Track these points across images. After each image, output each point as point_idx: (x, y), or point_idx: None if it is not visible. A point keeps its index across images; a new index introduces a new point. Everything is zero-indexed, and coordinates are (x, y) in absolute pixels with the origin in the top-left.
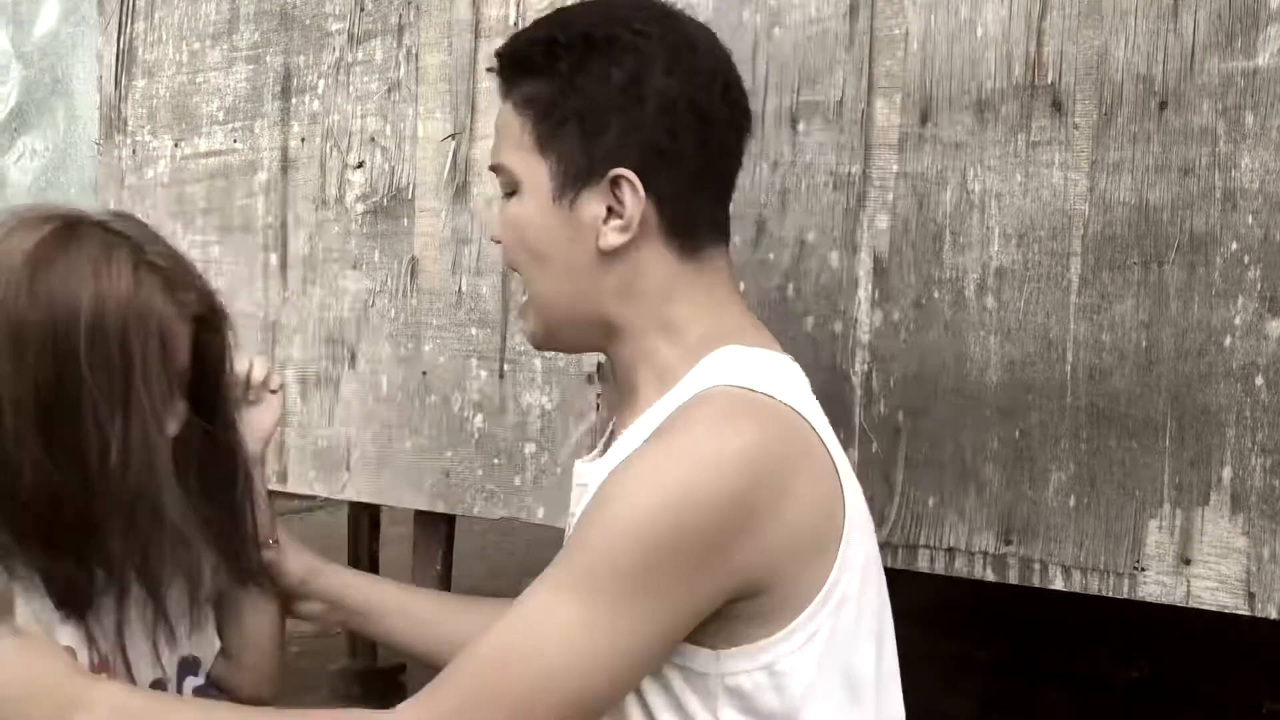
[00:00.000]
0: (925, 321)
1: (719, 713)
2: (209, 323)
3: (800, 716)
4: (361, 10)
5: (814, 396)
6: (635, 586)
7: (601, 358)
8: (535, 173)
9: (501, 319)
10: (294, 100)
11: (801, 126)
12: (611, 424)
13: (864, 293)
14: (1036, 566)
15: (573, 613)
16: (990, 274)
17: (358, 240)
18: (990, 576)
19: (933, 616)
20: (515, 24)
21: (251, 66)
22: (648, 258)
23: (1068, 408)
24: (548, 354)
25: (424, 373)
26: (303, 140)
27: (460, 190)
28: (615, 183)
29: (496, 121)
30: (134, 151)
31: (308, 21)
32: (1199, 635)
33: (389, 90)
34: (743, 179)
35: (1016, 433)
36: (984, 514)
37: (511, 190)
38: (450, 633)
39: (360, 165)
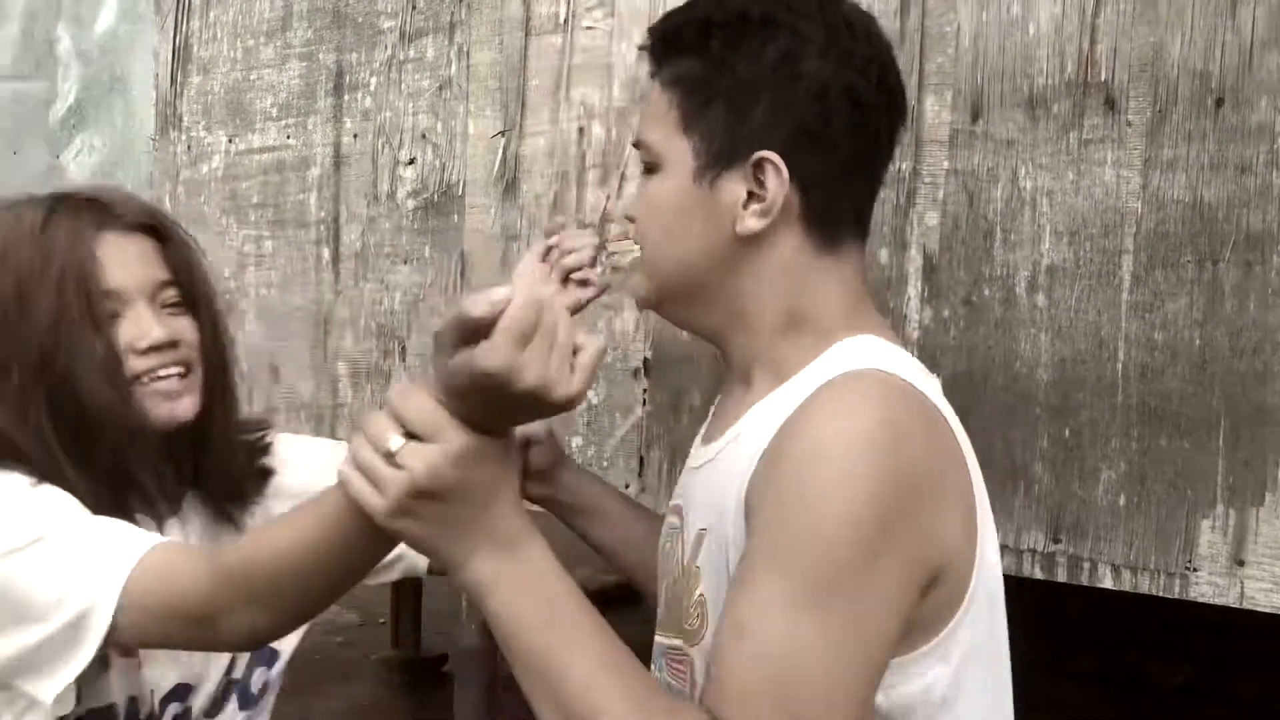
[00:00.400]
0: (975, 319)
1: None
2: (160, 231)
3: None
4: (413, 8)
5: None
6: (861, 577)
7: (651, 354)
8: (677, 151)
9: None
10: (346, 97)
11: None
12: (711, 409)
13: (913, 289)
14: (1086, 565)
15: (820, 629)
16: (1041, 271)
17: (409, 236)
18: (1039, 574)
19: None
20: (565, 21)
21: (305, 64)
22: (784, 246)
23: (1119, 406)
24: None
25: None
26: (355, 136)
27: (510, 187)
28: (759, 165)
29: (644, 98)
30: (189, 147)
31: (360, 19)
32: (1242, 638)
33: (440, 88)
34: None
35: (1066, 431)
36: (1033, 511)
37: (652, 167)
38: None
39: (411, 162)
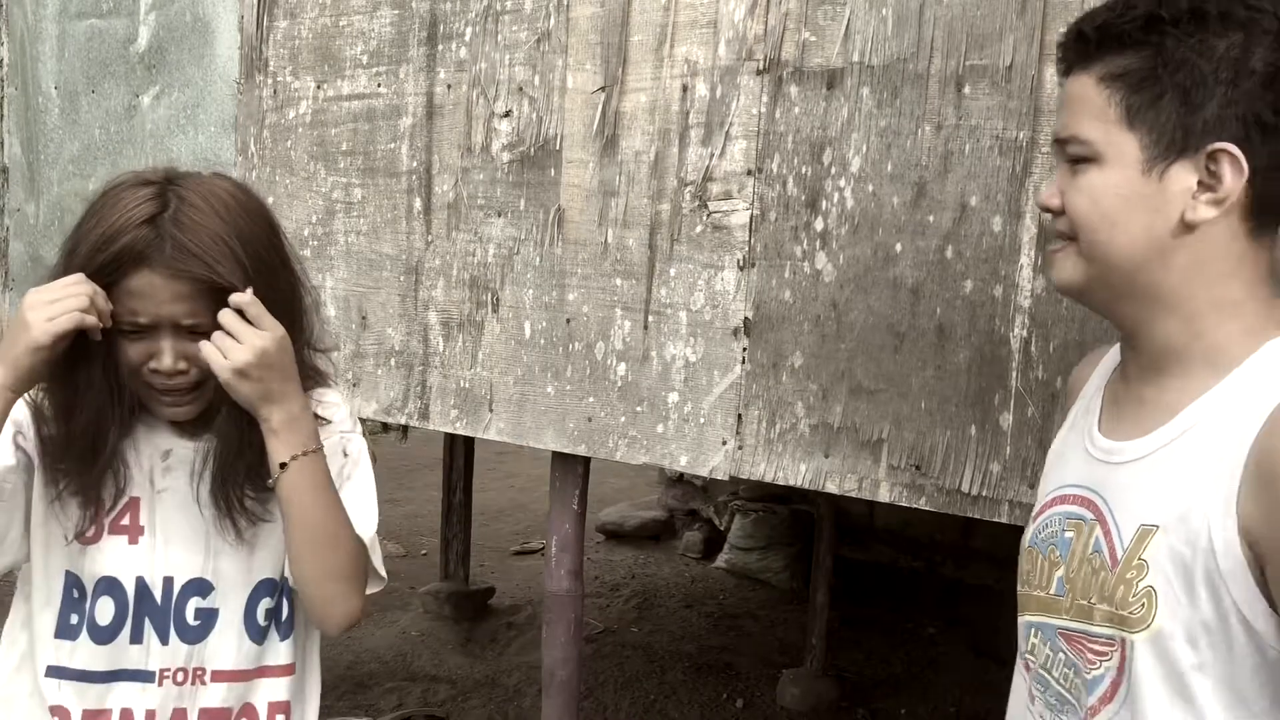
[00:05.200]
0: None
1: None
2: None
3: None
4: None
5: None
6: None
7: (751, 313)
8: (1120, 144)
9: (647, 271)
10: (440, 47)
11: (968, 90)
12: (1102, 393)
13: (1027, 258)
14: None
15: None
16: None
17: (503, 188)
18: None
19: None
20: None
21: (396, 11)
22: (1224, 233)
23: None
24: (693, 308)
25: (568, 320)
26: (449, 87)
27: (609, 143)
28: (1213, 156)
29: (1067, 93)
30: (275, 92)
31: None
32: None
33: (538, 40)
34: (903, 140)
35: None
36: None
37: (1085, 159)
38: None
39: (507, 114)
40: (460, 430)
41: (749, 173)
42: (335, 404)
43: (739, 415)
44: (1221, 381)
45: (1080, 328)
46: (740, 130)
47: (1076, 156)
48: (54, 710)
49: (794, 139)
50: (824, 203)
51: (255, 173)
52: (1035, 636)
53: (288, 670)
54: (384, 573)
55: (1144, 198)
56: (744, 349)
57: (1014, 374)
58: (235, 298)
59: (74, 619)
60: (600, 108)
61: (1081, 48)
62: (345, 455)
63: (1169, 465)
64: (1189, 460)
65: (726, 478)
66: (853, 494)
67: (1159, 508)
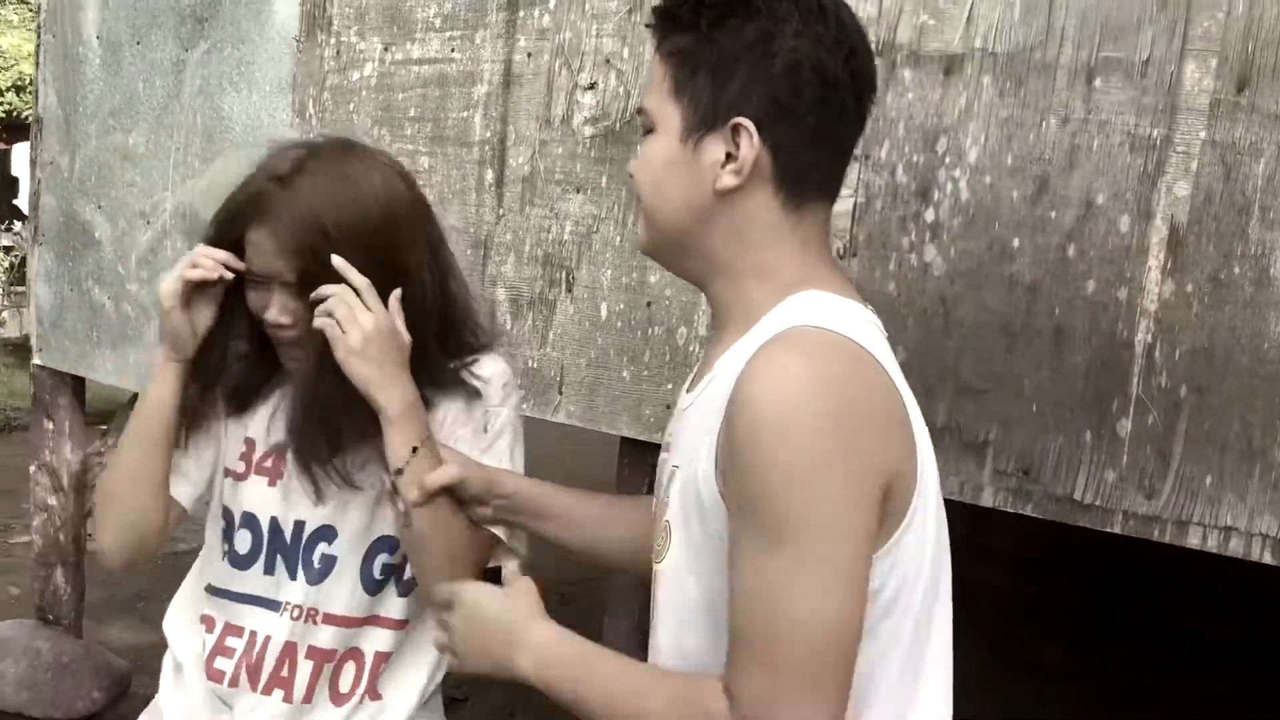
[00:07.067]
0: (1222, 296)
1: None
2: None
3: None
4: None
5: (889, 348)
6: (808, 511)
7: None
8: (669, 115)
9: None
10: (522, 13)
11: (1099, 83)
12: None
13: (1155, 261)
14: None
15: (784, 564)
16: None
17: (584, 164)
18: (1268, 560)
19: (1024, 563)
20: None
21: None
22: (757, 203)
23: None
24: None
25: (649, 303)
26: (529, 55)
27: None
28: (735, 130)
29: (650, 69)
30: (338, 52)
31: None
32: None
33: (630, 10)
34: (1026, 132)
35: None
36: (1267, 496)
37: (649, 129)
38: (615, 535)
39: (592, 86)
40: (527, 413)
41: (854, 158)
42: (486, 378)
43: None
44: (744, 335)
45: (1210, 335)
46: None
47: (645, 126)
48: (203, 619)
49: (906, 125)
50: (936, 193)
51: (313, 136)
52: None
53: (400, 624)
54: (523, 550)
55: (682, 165)
56: None
57: (1135, 379)
58: (334, 284)
59: (225, 546)
60: None
61: (655, 28)
62: (485, 431)
63: (696, 413)
64: (705, 408)
65: None
66: (953, 497)
67: (683, 451)
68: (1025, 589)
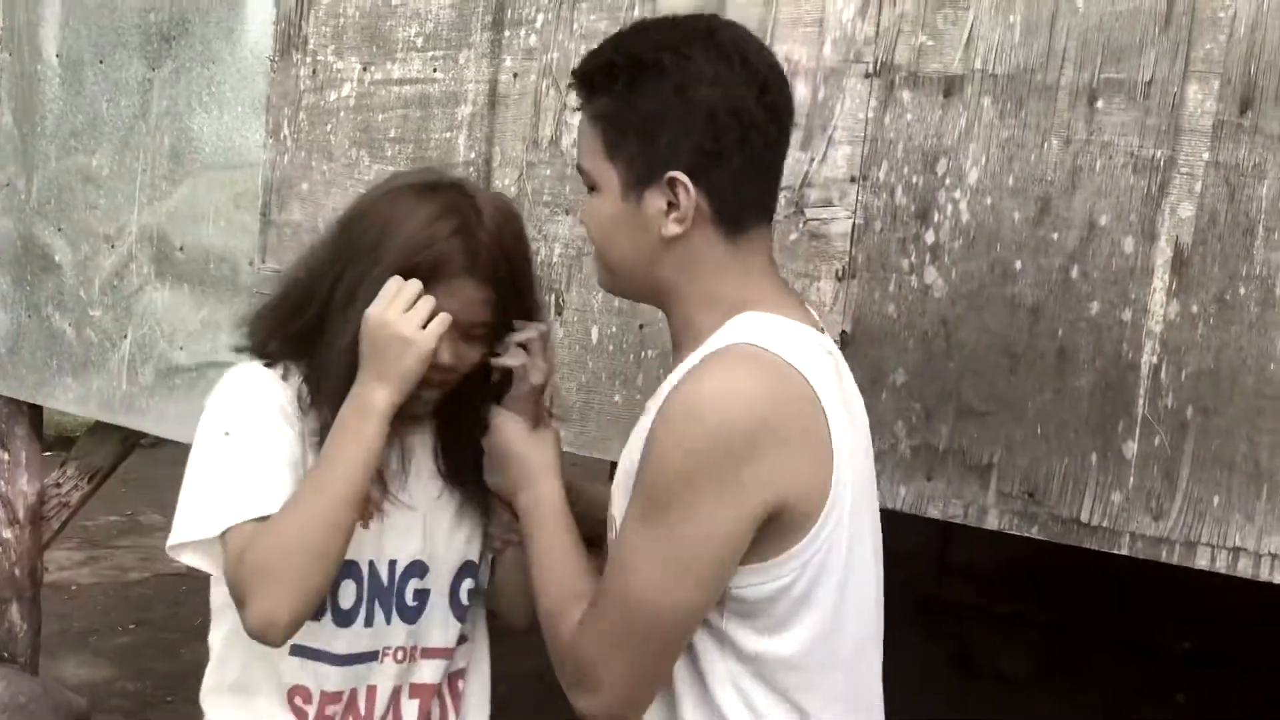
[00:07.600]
0: (1228, 317)
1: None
2: (506, 282)
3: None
4: None
5: (828, 363)
6: (683, 502)
7: (849, 327)
8: (607, 174)
9: None
10: (508, 33)
11: (1101, 104)
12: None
13: (1160, 282)
14: None
15: (646, 536)
16: None
17: (573, 185)
18: (1278, 579)
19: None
20: None
21: None
22: (701, 240)
23: None
24: None
25: (641, 326)
26: (515, 76)
27: None
28: (671, 183)
29: (579, 129)
30: (314, 72)
31: None
32: (1252, 608)
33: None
34: (1027, 153)
35: None
36: (1276, 516)
37: (591, 187)
38: None
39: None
40: None
41: (852, 180)
42: None
43: None
44: (693, 354)
45: (1216, 355)
46: (844, 135)
47: (587, 184)
48: (294, 690)
49: (904, 146)
50: (936, 214)
51: (288, 157)
52: None
53: (465, 638)
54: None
55: (627, 220)
56: None
57: (1141, 401)
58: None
59: (327, 601)
60: None
61: (577, 90)
62: None
63: (645, 420)
64: (646, 419)
65: None
66: (957, 520)
67: (626, 456)
68: (997, 605)
